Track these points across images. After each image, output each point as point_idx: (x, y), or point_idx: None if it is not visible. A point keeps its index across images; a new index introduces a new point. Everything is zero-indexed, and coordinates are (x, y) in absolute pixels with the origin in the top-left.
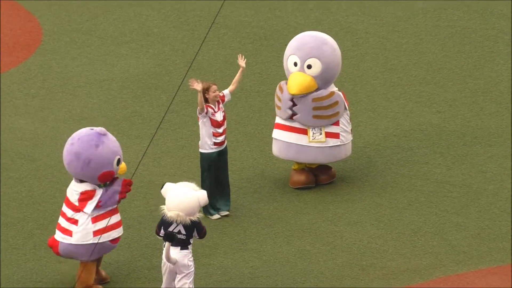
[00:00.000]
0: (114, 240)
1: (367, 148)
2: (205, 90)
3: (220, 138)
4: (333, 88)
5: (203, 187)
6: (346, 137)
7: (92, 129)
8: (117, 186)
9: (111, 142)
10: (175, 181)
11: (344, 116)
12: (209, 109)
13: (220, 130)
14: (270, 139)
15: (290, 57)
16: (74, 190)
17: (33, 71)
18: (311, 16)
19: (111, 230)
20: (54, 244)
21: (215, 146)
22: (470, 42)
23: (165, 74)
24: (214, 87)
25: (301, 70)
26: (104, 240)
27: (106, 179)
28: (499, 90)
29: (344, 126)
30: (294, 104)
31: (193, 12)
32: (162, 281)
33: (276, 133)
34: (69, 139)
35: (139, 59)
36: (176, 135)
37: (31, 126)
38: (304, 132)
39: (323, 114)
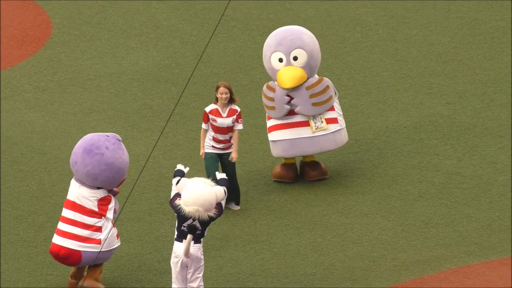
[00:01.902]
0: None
1: (377, 140)
2: (216, 89)
3: (220, 145)
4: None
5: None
6: (343, 121)
7: (107, 135)
8: (116, 192)
9: (123, 150)
10: (187, 175)
11: (336, 100)
12: (211, 116)
13: (221, 137)
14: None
15: (273, 55)
16: (91, 196)
17: (42, 64)
18: (320, 8)
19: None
20: (72, 255)
21: (213, 149)
22: (480, 33)
23: (175, 67)
24: (222, 89)
25: (288, 64)
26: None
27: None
28: (509, 81)
29: (339, 110)
30: (290, 99)
31: (202, 5)
32: (171, 274)
33: (277, 135)
34: (92, 147)
35: (148, 52)
36: (186, 128)
37: (41, 119)
38: (305, 124)
39: (320, 100)
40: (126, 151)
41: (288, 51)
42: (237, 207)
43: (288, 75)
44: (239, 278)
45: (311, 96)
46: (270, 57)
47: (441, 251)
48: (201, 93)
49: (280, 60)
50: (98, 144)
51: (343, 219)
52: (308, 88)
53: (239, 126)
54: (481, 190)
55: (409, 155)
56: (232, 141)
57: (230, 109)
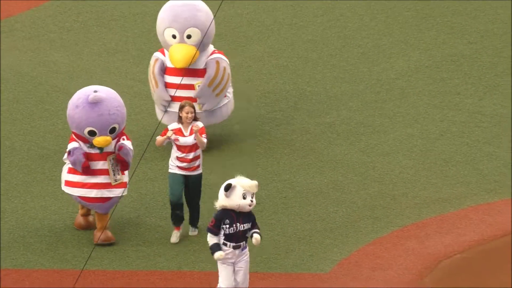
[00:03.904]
0: None
1: (399, 80)
2: (180, 108)
3: (184, 164)
4: (211, 48)
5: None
6: (231, 92)
7: (95, 91)
8: (82, 158)
9: (94, 112)
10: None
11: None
12: (173, 135)
13: (186, 156)
14: (303, 71)
15: (167, 30)
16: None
17: (67, 4)
18: None
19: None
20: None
21: (179, 169)
22: None
23: None
24: (187, 108)
25: (181, 41)
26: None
27: (79, 139)
28: None
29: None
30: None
31: None
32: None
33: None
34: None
35: None
36: None
37: (66, 59)
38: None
39: (221, 87)
40: (87, 112)
41: (182, 29)
42: (195, 232)
43: (180, 54)
44: (262, 216)
45: (214, 89)
46: (164, 31)
47: (462, 189)
48: (223, 34)
49: (174, 36)
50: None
51: (364, 158)
52: (210, 85)
53: (204, 139)
54: (501, 129)
55: (430, 94)
56: (197, 161)
57: (192, 126)
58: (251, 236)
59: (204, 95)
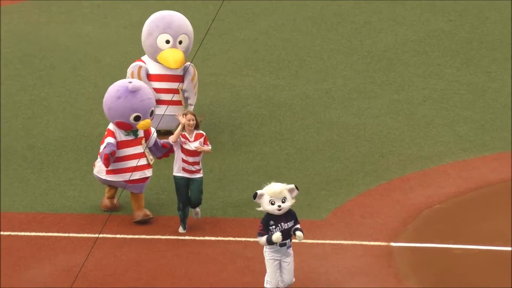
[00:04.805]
0: None
1: (387, 52)
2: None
3: (188, 167)
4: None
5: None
6: None
7: (130, 82)
8: (107, 149)
9: (136, 99)
10: None
11: None
12: (181, 138)
13: (191, 160)
14: (303, 44)
15: (161, 36)
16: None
17: None
18: None
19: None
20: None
21: (183, 172)
22: None
23: None
24: (189, 116)
25: (173, 47)
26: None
27: (122, 128)
28: (504, 3)
29: None
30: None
31: None
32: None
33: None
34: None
35: None
36: (222, 40)
37: (96, 31)
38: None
39: (196, 87)
40: (131, 100)
41: (176, 34)
42: (198, 210)
43: (173, 57)
44: (267, 170)
45: (194, 86)
46: (157, 37)
47: (441, 148)
48: (234, 10)
49: (167, 41)
50: (114, 84)
51: (357, 120)
52: (192, 80)
53: (208, 147)
54: (476, 96)
55: (414, 65)
56: (199, 166)
57: (196, 133)
58: (294, 233)
59: (189, 89)
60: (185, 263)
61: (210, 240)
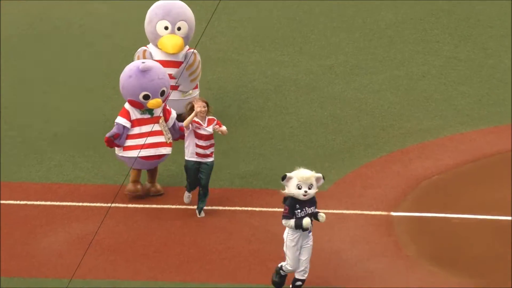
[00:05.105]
0: None
1: (388, 29)
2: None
3: (202, 151)
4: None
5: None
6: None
7: (143, 62)
8: (116, 130)
9: (146, 79)
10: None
11: None
12: (194, 124)
13: (205, 144)
14: (307, 22)
15: (160, 22)
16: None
17: None
18: None
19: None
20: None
21: (196, 156)
22: None
23: None
24: (200, 103)
25: (172, 33)
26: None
27: (134, 106)
28: None
29: None
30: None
31: None
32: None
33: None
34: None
35: None
36: (230, 18)
37: (108, 10)
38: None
39: (196, 75)
40: (140, 79)
41: (174, 21)
42: (202, 215)
43: (171, 42)
44: (272, 143)
45: (190, 74)
46: (157, 23)
47: (439, 121)
48: None
49: (166, 28)
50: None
51: (358, 94)
52: (188, 69)
53: (225, 128)
54: (473, 71)
55: (414, 42)
56: (211, 149)
57: (208, 119)
58: (316, 217)
59: (182, 76)
60: (194, 231)
61: (218, 210)
